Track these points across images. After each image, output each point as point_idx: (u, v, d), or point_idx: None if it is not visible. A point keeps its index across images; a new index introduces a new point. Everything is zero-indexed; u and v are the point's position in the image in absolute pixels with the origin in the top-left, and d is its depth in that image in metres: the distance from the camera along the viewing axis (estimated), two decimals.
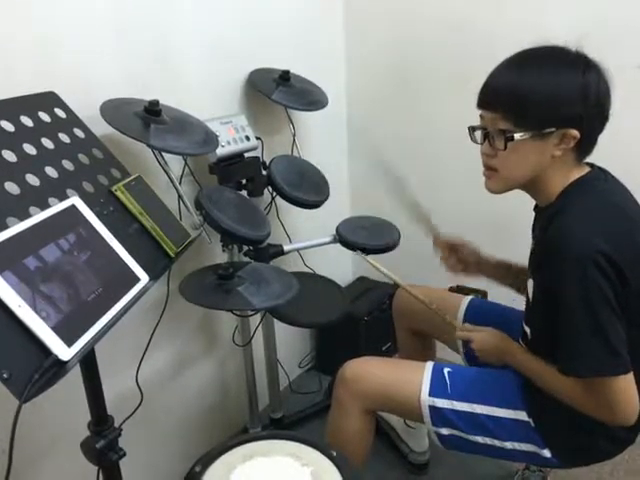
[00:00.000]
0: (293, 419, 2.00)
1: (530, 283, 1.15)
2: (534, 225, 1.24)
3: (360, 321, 2.13)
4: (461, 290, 2.21)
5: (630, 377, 1.01)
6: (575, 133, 1.02)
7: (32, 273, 0.78)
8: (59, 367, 0.74)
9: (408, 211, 1.44)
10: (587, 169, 1.11)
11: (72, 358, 0.76)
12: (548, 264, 1.03)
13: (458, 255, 1.44)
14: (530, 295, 1.15)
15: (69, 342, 0.77)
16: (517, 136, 1.04)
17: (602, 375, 1.01)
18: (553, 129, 1.02)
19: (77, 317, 0.81)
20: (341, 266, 2.38)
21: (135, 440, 1.19)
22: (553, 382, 1.10)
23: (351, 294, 2.20)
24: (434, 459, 1.79)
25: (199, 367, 1.78)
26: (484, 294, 2.19)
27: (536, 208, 1.21)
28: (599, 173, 1.12)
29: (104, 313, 0.86)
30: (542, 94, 1.01)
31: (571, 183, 1.08)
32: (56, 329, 0.76)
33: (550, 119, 1.02)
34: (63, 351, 0.75)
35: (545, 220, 1.09)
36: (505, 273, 1.41)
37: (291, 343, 2.19)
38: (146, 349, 1.38)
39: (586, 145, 1.06)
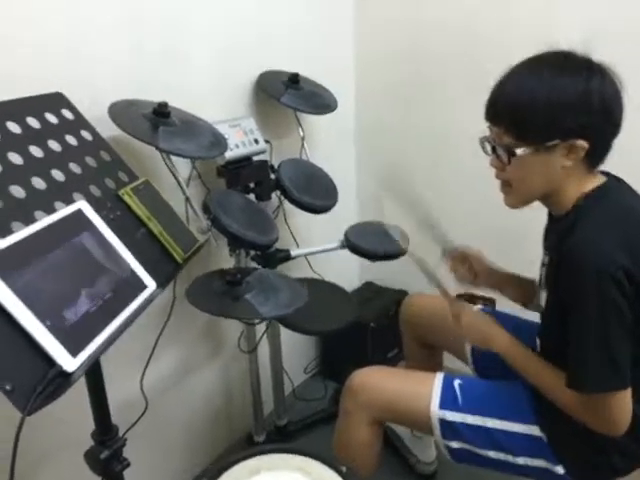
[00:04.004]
0: (298, 426, 1.97)
1: (543, 295, 1.12)
2: (546, 234, 1.21)
3: (367, 327, 2.11)
4: (470, 297, 2.19)
5: (628, 392, 1.01)
6: (583, 144, 0.99)
7: (36, 280, 0.75)
8: (63, 379, 0.72)
9: (420, 223, 1.40)
10: (602, 178, 1.08)
11: (77, 369, 0.73)
12: (565, 277, 1.00)
13: (468, 265, 1.40)
14: (543, 307, 1.12)
15: (74, 352, 0.74)
16: (519, 151, 1.02)
17: (603, 391, 1.00)
18: (557, 141, 0.99)
19: (82, 326, 0.78)
20: (348, 271, 2.35)
21: (138, 447, 1.17)
22: (554, 386, 1.08)
23: (358, 300, 2.17)
24: (442, 469, 1.76)
25: (204, 373, 1.76)
26: (492, 302, 2.17)
27: (550, 217, 1.18)
28: (614, 182, 1.09)
29: (110, 322, 0.83)
30: (541, 107, 0.99)
31: (587, 193, 1.05)
32: (61, 338, 0.73)
33: (552, 132, 0.99)
34: (68, 362, 0.73)
35: (560, 231, 1.06)
36: (515, 287, 1.39)
37: (296, 348, 2.16)
38: (151, 355, 1.35)
39: (598, 154, 1.03)
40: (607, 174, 1.10)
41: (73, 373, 0.73)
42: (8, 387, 0.65)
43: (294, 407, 2.06)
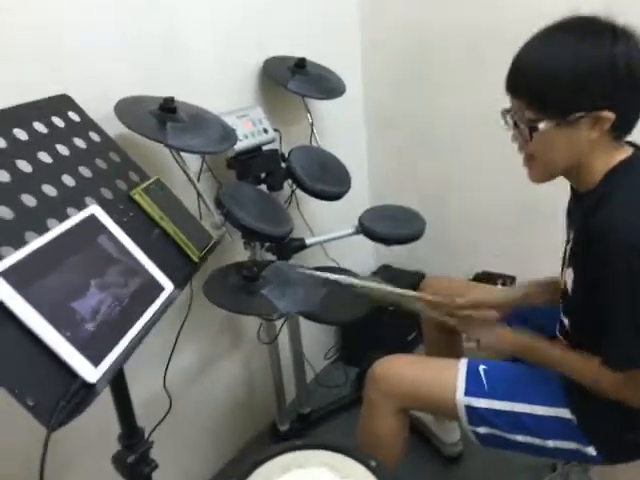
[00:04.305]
0: (321, 413, 1.98)
1: (569, 272, 1.09)
2: (570, 211, 1.18)
3: (385, 311, 2.09)
4: (487, 277, 2.16)
5: None
6: (608, 115, 0.94)
7: (53, 291, 0.74)
8: (87, 391, 0.71)
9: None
10: (629, 150, 1.04)
11: (100, 379, 0.72)
12: (594, 254, 0.97)
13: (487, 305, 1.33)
14: (569, 285, 1.10)
15: (96, 362, 0.73)
16: (541, 126, 0.97)
17: None
18: (582, 114, 0.95)
19: (102, 334, 0.77)
20: (364, 255, 2.34)
21: (164, 444, 1.17)
22: (592, 374, 1.05)
23: None
24: (468, 450, 1.76)
25: (225, 366, 1.76)
26: (512, 279, 2.15)
27: (573, 193, 1.15)
28: None
29: (130, 327, 0.82)
30: (563, 78, 0.94)
31: (614, 166, 1.00)
32: (81, 349, 0.72)
33: (576, 104, 0.94)
34: (90, 373, 0.72)
35: (587, 206, 1.02)
36: (543, 294, 1.32)
37: (316, 335, 2.16)
38: (172, 352, 1.35)
39: (625, 124, 0.99)
40: (634, 145, 1.06)
41: (96, 384, 0.72)
42: (30, 403, 0.64)
43: (316, 394, 2.06)
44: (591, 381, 1.07)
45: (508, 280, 2.11)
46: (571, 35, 0.96)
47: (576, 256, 1.07)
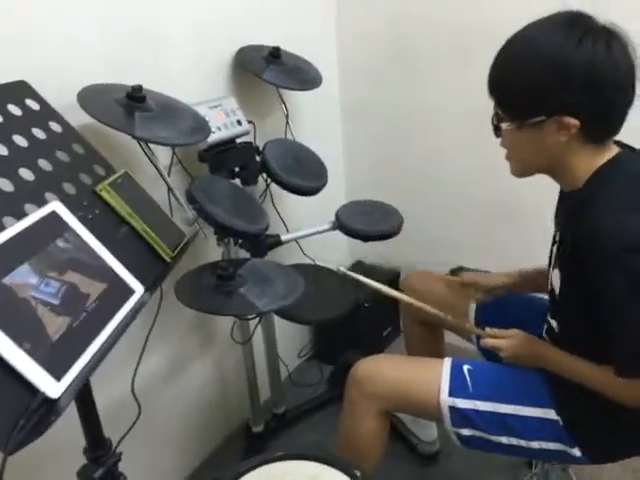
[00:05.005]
0: (296, 413, 1.93)
1: (556, 274, 1.06)
2: (558, 211, 1.15)
3: (361, 307, 2.05)
4: (462, 271, 2.14)
5: None
6: (571, 121, 0.92)
7: (10, 296, 0.67)
8: (49, 407, 0.64)
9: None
10: (615, 150, 1.01)
11: (63, 394, 0.66)
12: (589, 258, 0.93)
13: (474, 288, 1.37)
14: (557, 287, 1.07)
15: (58, 376, 0.66)
16: (504, 125, 0.99)
17: None
18: (542, 118, 0.93)
19: (65, 344, 0.70)
20: (338, 251, 2.29)
21: (134, 450, 1.11)
22: (605, 383, 1.02)
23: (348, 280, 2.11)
24: (444, 449, 1.74)
25: (196, 367, 1.70)
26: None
27: (560, 193, 1.12)
28: (628, 152, 1.02)
29: (96, 335, 0.75)
30: (518, 83, 0.94)
31: (599, 167, 0.98)
32: (41, 361, 0.65)
33: (532, 109, 0.94)
34: (51, 387, 0.65)
35: (574, 207, 0.99)
36: (528, 282, 1.34)
37: (290, 334, 2.10)
38: (141, 355, 1.27)
39: (597, 129, 0.95)
40: (620, 144, 1.03)
41: (59, 400, 0.65)
42: None
43: (290, 393, 2.01)
44: (608, 392, 1.02)
45: None
46: (536, 38, 0.94)
47: (563, 258, 1.05)
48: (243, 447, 1.80)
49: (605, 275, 0.92)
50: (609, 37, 0.90)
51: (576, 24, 0.91)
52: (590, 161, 0.98)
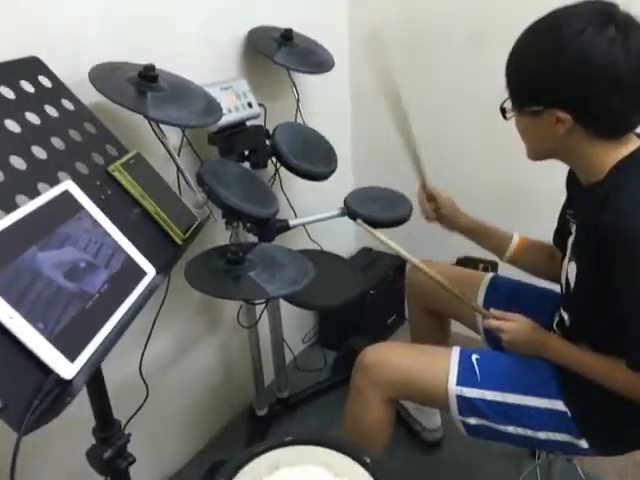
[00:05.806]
0: (299, 397, 1.94)
1: (572, 266, 1.05)
2: (573, 203, 1.13)
3: (366, 294, 2.05)
4: (469, 261, 2.13)
5: None
6: (563, 115, 0.91)
7: (24, 276, 0.66)
8: (63, 388, 0.63)
9: (406, 150, 1.36)
10: (637, 143, 0.99)
11: (77, 375, 0.65)
12: (610, 252, 0.92)
13: (435, 206, 1.37)
14: (572, 280, 1.06)
15: (71, 357, 0.66)
16: (506, 107, 1.01)
17: None
18: (539, 108, 0.94)
19: (79, 326, 0.69)
20: (344, 238, 2.28)
21: (140, 430, 1.12)
22: (611, 375, 1.01)
23: (355, 266, 2.11)
24: (448, 436, 1.74)
25: (202, 349, 1.70)
26: (494, 265, 2.12)
27: (578, 185, 1.10)
28: None
29: (109, 317, 0.75)
30: (517, 71, 0.97)
31: (621, 160, 0.96)
32: (56, 342, 0.65)
33: (528, 98, 0.95)
34: (65, 368, 0.65)
35: (593, 202, 0.97)
36: (486, 236, 1.38)
37: (295, 319, 2.10)
38: (148, 338, 1.27)
39: (605, 125, 0.93)
40: None
41: (73, 381, 0.65)
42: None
43: (294, 378, 2.02)
44: (618, 385, 1.02)
45: (489, 265, 2.08)
46: (542, 28, 0.93)
47: (580, 250, 1.03)
48: (247, 430, 1.81)
49: (627, 268, 0.90)
50: (621, 27, 0.87)
51: (583, 16, 0.89)
52: (608, 155, 0.97)
